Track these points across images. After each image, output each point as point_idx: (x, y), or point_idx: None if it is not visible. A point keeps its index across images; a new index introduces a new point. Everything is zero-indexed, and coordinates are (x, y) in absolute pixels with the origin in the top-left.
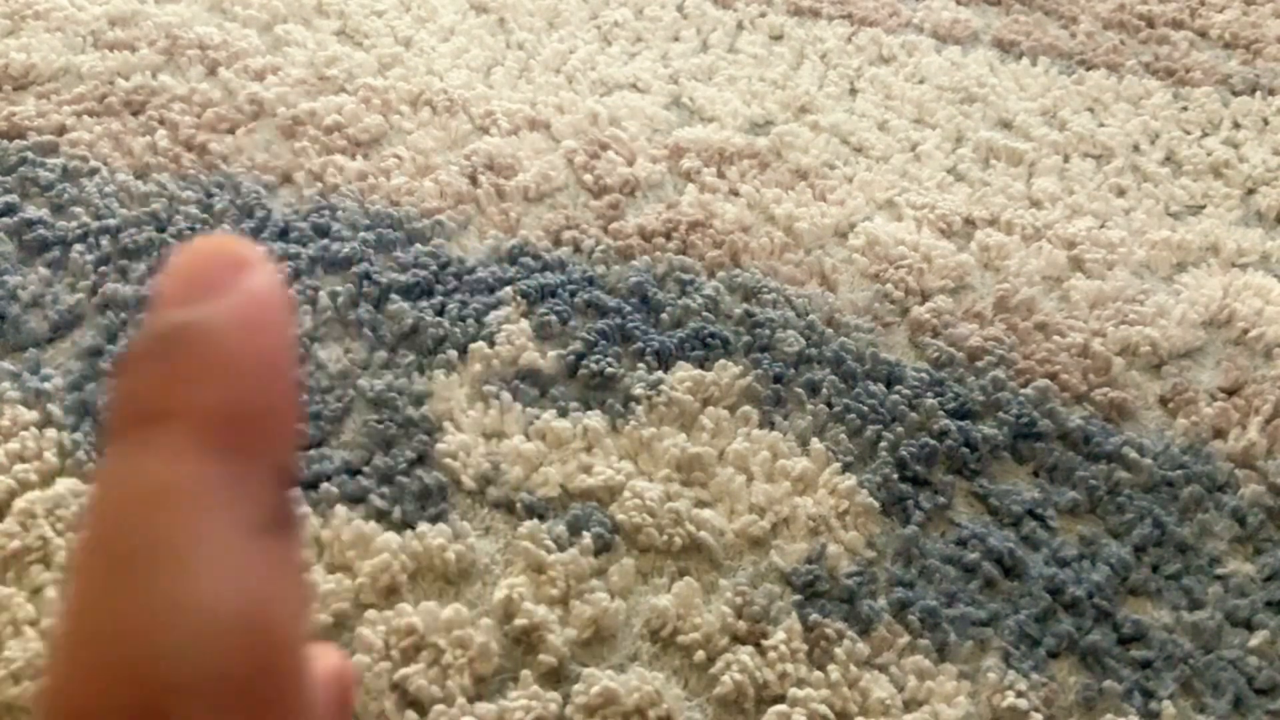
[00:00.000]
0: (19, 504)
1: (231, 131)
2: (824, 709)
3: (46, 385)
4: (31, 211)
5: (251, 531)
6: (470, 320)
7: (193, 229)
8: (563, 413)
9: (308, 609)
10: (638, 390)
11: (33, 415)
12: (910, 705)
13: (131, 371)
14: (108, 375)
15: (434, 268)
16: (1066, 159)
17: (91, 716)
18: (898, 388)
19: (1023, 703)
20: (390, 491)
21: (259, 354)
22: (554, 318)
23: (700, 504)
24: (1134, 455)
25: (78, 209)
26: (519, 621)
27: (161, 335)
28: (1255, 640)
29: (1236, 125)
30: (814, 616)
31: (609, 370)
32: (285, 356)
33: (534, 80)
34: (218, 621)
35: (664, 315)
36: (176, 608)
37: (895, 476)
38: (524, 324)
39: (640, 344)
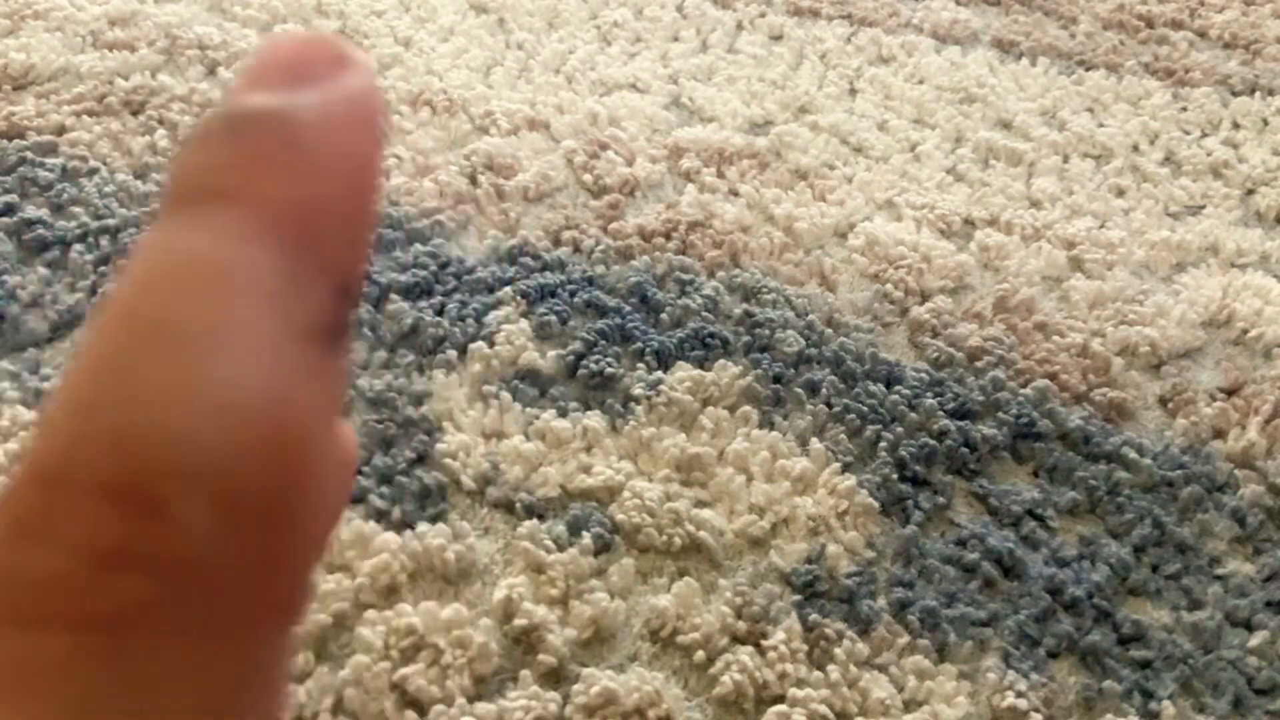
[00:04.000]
0: None
1: None
2: (824, 709)
3: (46, 385)
4: (31, 211)
5: (298, 332)
6: (470, 320)
7: None
8: (562, 413)
9: (339, 425)
10: (637, 390)
11: (32, 415)
12: (910, 705)
13: (200, 146)
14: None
15: (434, 268)
16: (1066, 159)
17: (68, 489)
18: (897, 388)
19: (1022, 703)
20: (390, 491)
21: (346, 155)
22: (554, 318)
23: (700, 504)
24: (1134, 455)
25: (77, 209)
26: (519, 621)
27: (241, 115)
28: (1255, 640)
29: (1236, 125)
30: (814, 616)
31: (609, 370)
32: (374, 166)
33: (533, 80)
34: (240, 411)
35: (664, 315)
36: (195, 387)
37: (895, 476)
38: (524, 324)
39: (640, 344)
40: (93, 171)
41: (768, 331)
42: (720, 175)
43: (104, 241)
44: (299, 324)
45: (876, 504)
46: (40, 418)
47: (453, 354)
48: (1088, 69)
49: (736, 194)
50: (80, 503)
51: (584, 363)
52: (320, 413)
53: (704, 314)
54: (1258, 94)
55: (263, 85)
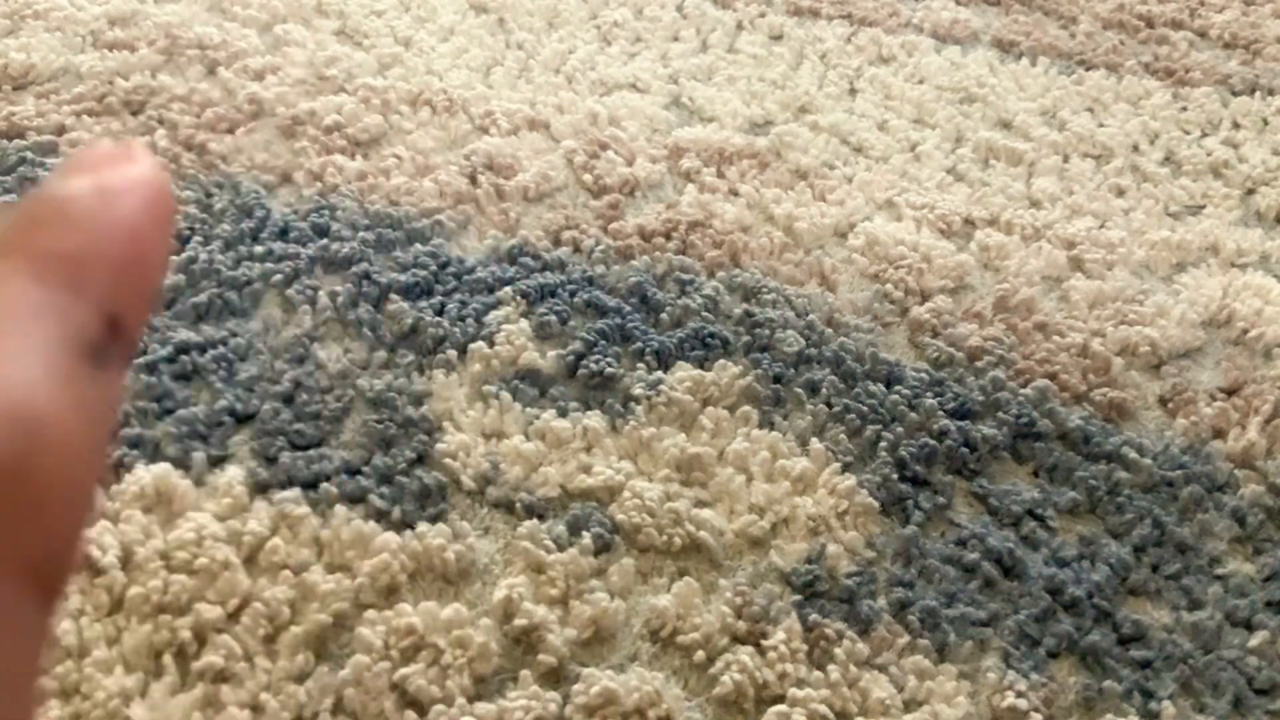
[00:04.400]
0: None
1: (231, 131)
2: (824, 709)
3: None
4: None
5: (60, 348)
6: (470, 320)
7: (191, 229)
8: (562, 413)
9: (104, 443)
10: (637, 390)
11: None
12: (910, 705)
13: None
14: None
15: (434, 268)
16: (1066, 159)
17: None
18: (897, 388)
19: (1022, 703)
20: (390, 491)
21: (112, 220)
22: (554, 318)
23: (700, 504)
24: (1134, 455)
25: None
26: (519, 621)
27: (32, 195)
28: (1255, 640)
29: (1236, 125)
30: (814, 616)
31: (609, 370)
32: (145, 231)
33: (533, 80)
34: None
35: (664, 315)
36: None
37: (895, 476)
38: (524, 324)
39: (640, 344)
40: None
41: (768, 331)
42: (720, 175)
43: None
44: (63, 342)
45: (876, 504)
46: None
47: (453, 354)
48: (1088, 69)
49: (736, 194)
50: None
51: (584, 363)
52: (69, 410)
53: (704, 314)
54: (1258, 94)
55: (59, 176)
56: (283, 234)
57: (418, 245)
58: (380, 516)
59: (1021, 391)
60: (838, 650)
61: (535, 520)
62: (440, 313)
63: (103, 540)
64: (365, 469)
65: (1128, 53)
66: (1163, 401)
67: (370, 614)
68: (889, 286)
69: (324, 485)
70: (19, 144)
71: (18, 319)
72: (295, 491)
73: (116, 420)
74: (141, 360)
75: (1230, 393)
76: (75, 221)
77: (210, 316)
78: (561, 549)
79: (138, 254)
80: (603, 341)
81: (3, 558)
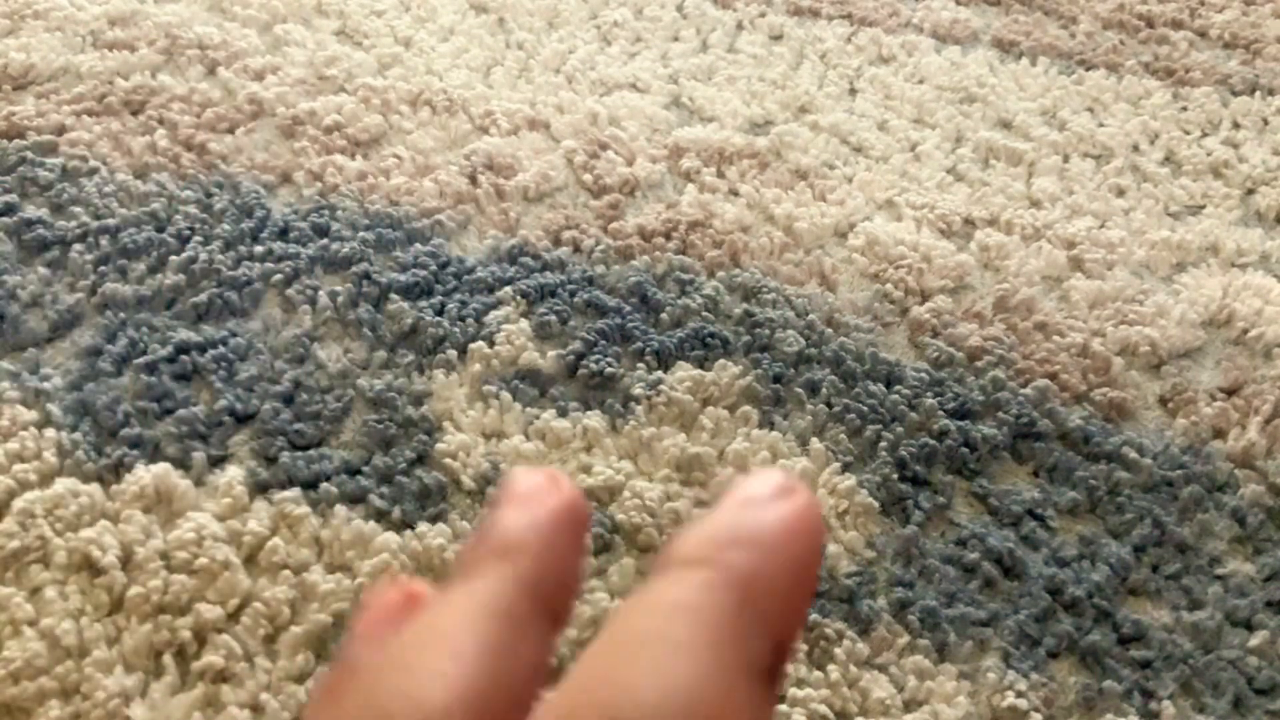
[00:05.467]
0: (18, 504)
1: (231, 131)
2: (824, 709)
3: (46, 385)
4: (31, 211)
5: (740, 667)
6: (470, 320)
7: (191, 229)
8: (562, 413)
9: None
10: (637, 390)
11: (32, 415)
12: (910, 705)
13: (682, 535)
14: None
15: (434, 267)
16: (1066, 159)
17: None
18: (897, 388)
19: (1022, 703)
20: (390, 491)
21: (788, 549)
22: (554, 318)
23: (700, 504)
24: (1134, 455)
25: (77, 209)
26: None
27: (713, 517)
28: (1255, 640)
29: (1236, 125)
30: (814, 616)
31: (609, 370)
32: (808, 565)
33: (534, 80)
34: (687, 704)
35: (664, 315)
36: (671, 686)
37: (895, 476)
38: (524, 324)
39: (640, 344)
40: (93, 171)
41: (768, 331)
42: (720, 175)
43: (104, 241)
44: (741, 661)
45: (876, 504)
46: (552, 698)
47: (453, 354)
48: (1088, 69)
49: (736, 194)
50: None
51: (584, 363)
52: None
53: (704, 314)
54: (1258, 94)
55: (734, 502)
56: (283, 234)
57: (418, 245)
58: (380, 516)
59: (1021, 391)
60: (838, 650)
61: None
62: (440, 313)
63: (103, 540)
64: (365, 469)
65: (1128, 53)
66: (1163, 401)
67: None
68: (889, 286)
69: (324, 485)
70: (19, 144)
71: (715, 634)
72: (295, 491)
73: None
74: (141, 360)
75: (1230, 393)
76: (763, 543)
77: (210, 316)
78: None
79: (802, 585)
80: (603, 341)
81: None
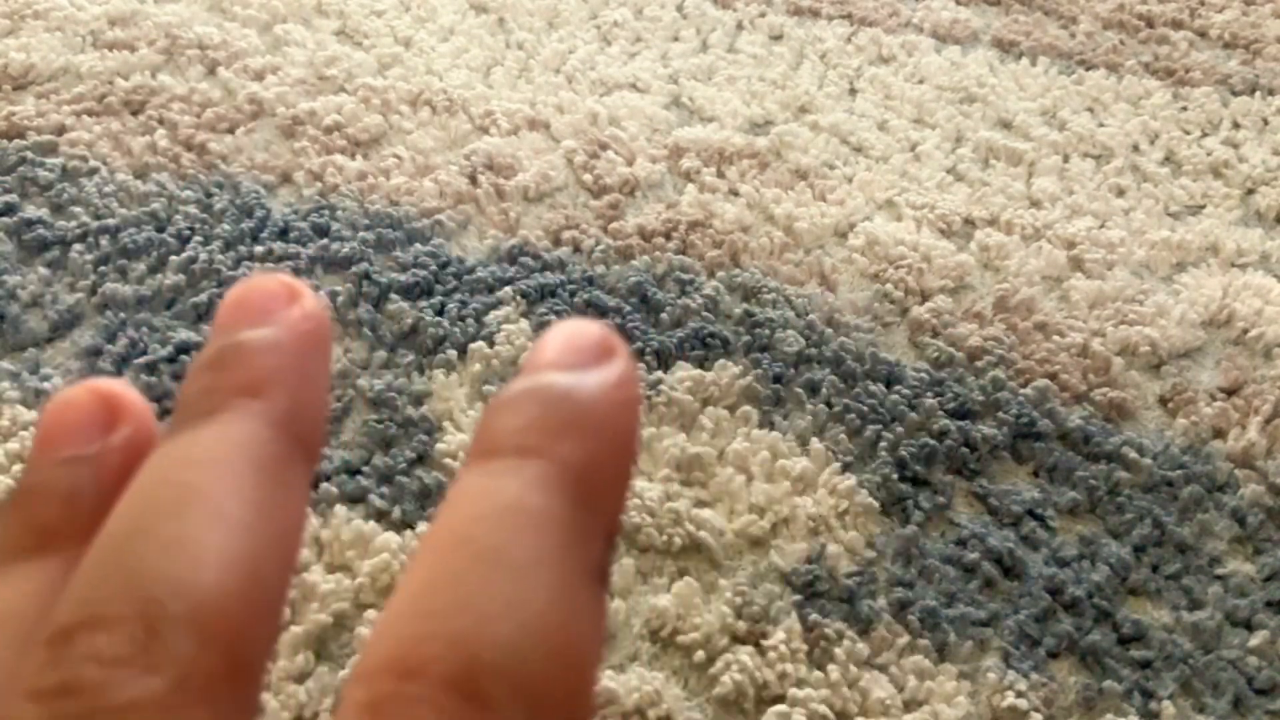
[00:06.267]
0: None
1: (231, 131)
2: (824, 709)
3: (46, 385)
4: (31, 211)
5: (582, 573)
6: (470, 320)
7: (191, 229)
8: None
9: (600, 663)
10: None
11: (32, 415)
12: (910, 705)
13: (508, 410)
14: (486, 410)
15: (434, 267)
16: (1066, 159)
17: (419, 680)
18: (897, 388)
19: (1022, 703)
20: (390, 491)
21: (616, 426)
22: (554, 318)
23: (700, 504)
24: (1134, 455)
25: (77, 209)
26: None
27: (539, 388)
28: (1255, 640)
29: (1236, 125)
30: (814, 616)
31: None
32: (634, 436)
33: (534, 80)
34: (550, 632)
35: (664, 315)
36: (519, 608)
37: (895, 476)
38: (524, 324)
39: (640, 344)
40: (93, 171)
41: (768, 331)
42: (720, 175)
43: (104, 241)
44: (582, 566)
45: (876, 504)
46: (382, 616)
47: (453, 354)
48: (1088, 69)
49: (736, 194)
50: (430, 693)
51: None
52: (593, 639)
53: (704, 314)
54: (1258, 94)
55: (555, 367)
56: (283, 234)
57: (418, 245)
58: (380, 516)
59: (1021, 391)
60: (838, 650)
61: None
62: (440, 313)
63: None
64: (365, 469)
65: (1128, 53)
66: (1163, 401)
67: (370, 614)
68: (889, 286)
69: (324, 485)
70: (19, 144)
71: (557, 543)
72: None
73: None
74: (141, 360)
75: (1230, 393)
76: (591, 426)
77: (210, 316)
78: None
79: (629, 462)
80: None
81: None
